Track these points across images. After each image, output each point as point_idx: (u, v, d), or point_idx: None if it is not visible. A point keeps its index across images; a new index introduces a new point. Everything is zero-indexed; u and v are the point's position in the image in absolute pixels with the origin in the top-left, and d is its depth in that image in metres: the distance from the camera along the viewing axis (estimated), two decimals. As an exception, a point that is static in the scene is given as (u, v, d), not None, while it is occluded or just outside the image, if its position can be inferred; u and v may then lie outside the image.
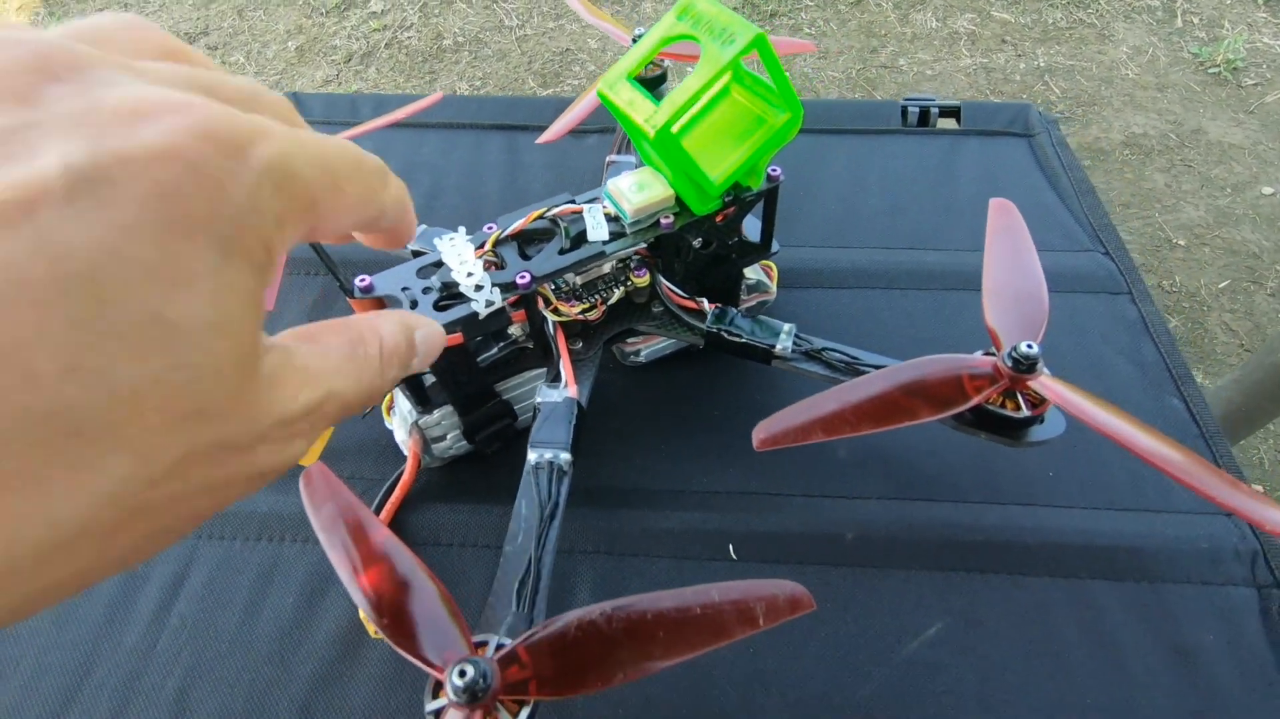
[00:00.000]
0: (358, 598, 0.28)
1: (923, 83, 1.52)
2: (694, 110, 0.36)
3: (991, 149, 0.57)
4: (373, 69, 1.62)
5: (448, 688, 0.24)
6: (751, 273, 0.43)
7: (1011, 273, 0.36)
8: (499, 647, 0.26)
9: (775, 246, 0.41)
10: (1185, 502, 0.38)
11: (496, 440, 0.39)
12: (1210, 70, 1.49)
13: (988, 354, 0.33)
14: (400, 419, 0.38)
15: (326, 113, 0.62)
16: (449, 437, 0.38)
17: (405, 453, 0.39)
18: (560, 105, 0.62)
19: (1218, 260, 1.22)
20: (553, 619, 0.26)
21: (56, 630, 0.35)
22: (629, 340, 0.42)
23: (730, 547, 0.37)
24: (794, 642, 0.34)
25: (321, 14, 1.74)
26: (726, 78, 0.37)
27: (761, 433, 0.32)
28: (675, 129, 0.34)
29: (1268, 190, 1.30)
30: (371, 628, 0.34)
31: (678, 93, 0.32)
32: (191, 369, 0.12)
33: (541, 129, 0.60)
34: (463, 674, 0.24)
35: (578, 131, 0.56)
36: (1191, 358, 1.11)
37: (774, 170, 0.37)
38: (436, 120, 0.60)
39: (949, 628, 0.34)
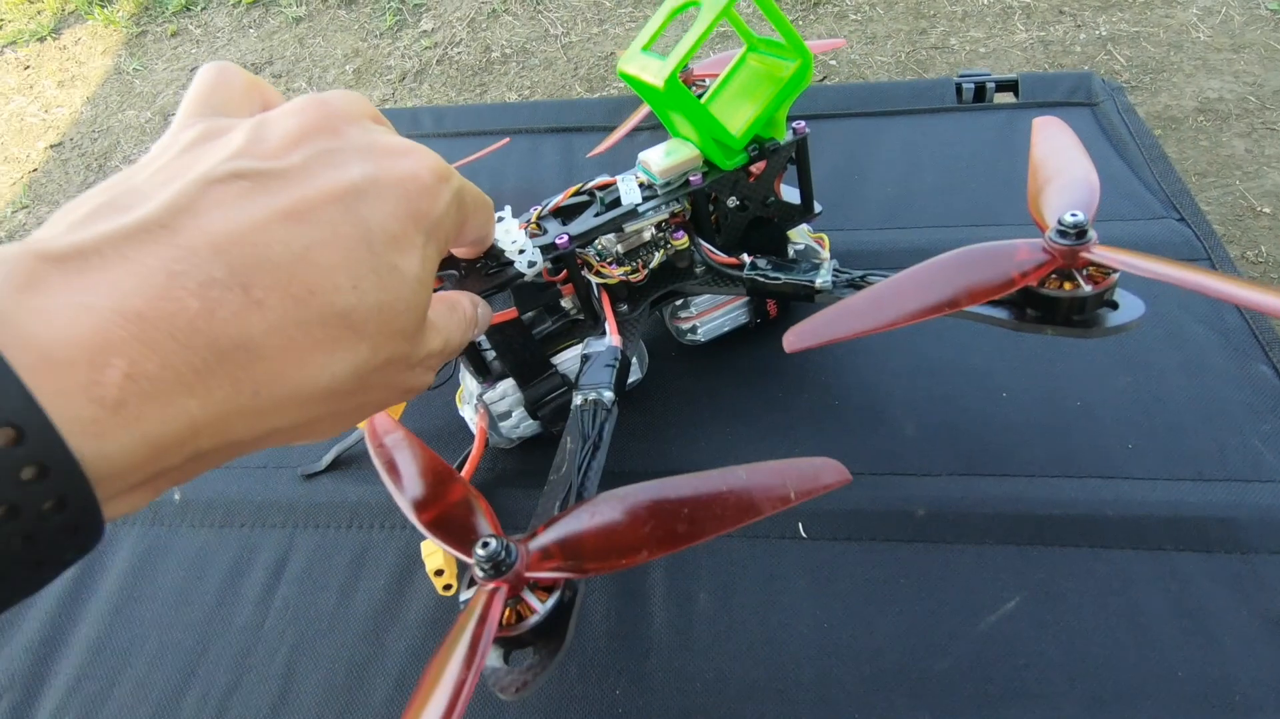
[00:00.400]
0: (402, 504, 0.30)
1: (976, 61, 1.48)
2: (717, 79, 0.38)
3: (1053, 120, 0.56)
4: (425, 85, 1.68)
5: (474, 563, 0.25)
6: (800, 238, 0.43)
7: (1056, 166, 0.34)
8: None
9: (817, 208, 0.41)
10: (1278, 470, 0.36)
11: (561, 417, 0.41)
12: (1292, 26, 1.40)
13: None
14: (468, 397, 0.40)
15: (390, 127, 0.65)
16: (514, 414, 0.40)
17: (474, 431, 0.41)
18: (610, 107, 0.63)
19: (1309, 227, 1.15)
20: (575, 505, 0.27)
21: (175, 613, 0.38)
22: (683, 315, 0.43)
23: (800, 525, 0.37)
24: (868, 616, 0.34)
25: (376, 36, 1.81)
26: (744, 52, 0.38)
27: (791, 337, 0.31)
28: (703, 100, 0.35)
29: (1363, 149, 1.21)
30: (439, 584, 0.36)
31: (680, 46, 0.33)
32: (405, 303, 0.19)
33: (594, 129, 0.62)
34: (485, 546, 0.25)
35: (633, 132, 0.58)
36: (1283, 331, 1.05)
37: (799, 124, 0.38)
38: (494, 128, 0.63)
39: (1027, 601, 0.34)
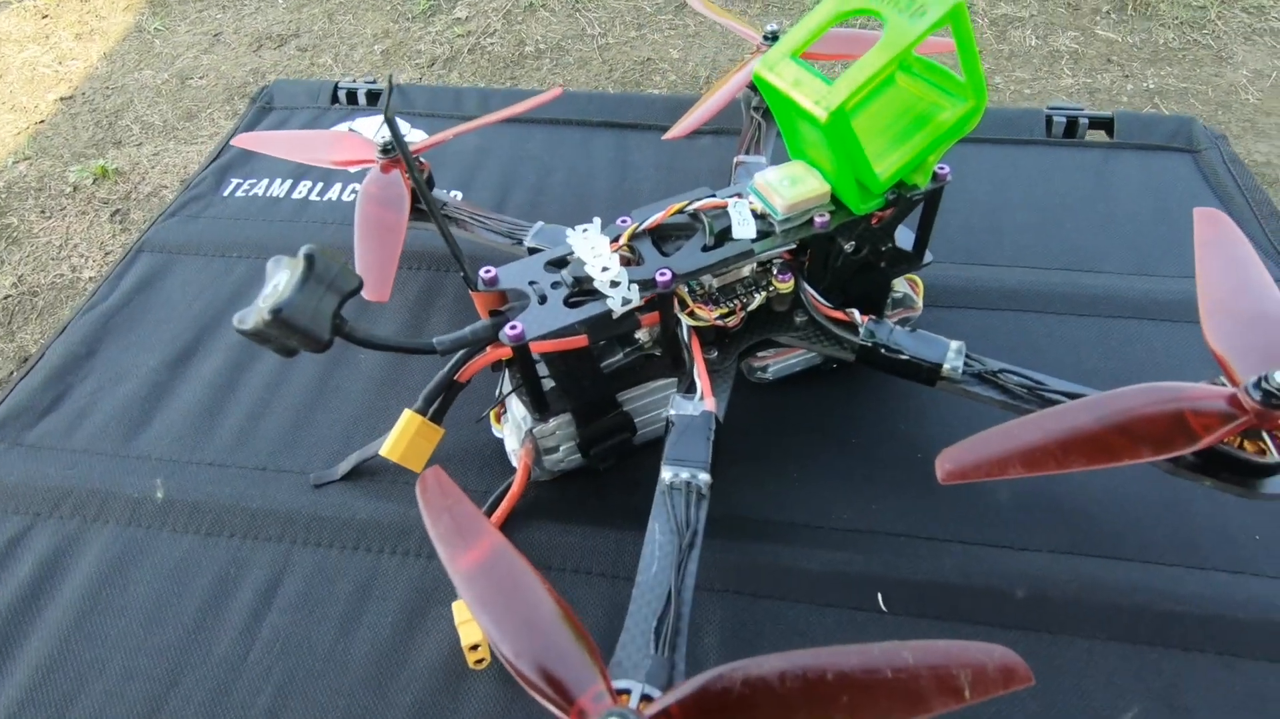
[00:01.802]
0: (484, 624, 0.24)
1: (1020, 102, 1.45)
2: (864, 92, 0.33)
3: (1151, 164, 0.52)
4: (455, 73, 1.63)
5: None
6: (899, 285, 0.39)
7: (1238, 290, 0.30)
8: (645, 697, 0.23)
9: (929, 257, 0.37)
10: None
11: (611, 456, 0.36)
12: (1343, 97, 1.37)
13: (1216, 383, 0.28)
14: (513, 426, 0.35)
15: (430, 105, 0.60)
16: (562, 448, 0.35)
17: (514, 463, 0.36)
18: (673, 104, 0.59)
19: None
20: (712, 671, 0.22)
21: (145, 633, 0.33)
22: (759, 354, 0.38)
23: (879, 596, 0.32)
24: (957, 715, 0.29)
25: (408, 19, 1.77)
26: (889, 66, 0.33)
27: (947, 463, 0.27)
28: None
29: None
30: (471, 658, 0.31)
31: (855, 70, 0.28)
32: None
33: (652, 128, 0.57)
34: None
35: (692, 134, 0.53)
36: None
37: (942, 168, 0.33)
38: (544, 116, 0.58)
39: (1148, 713, 0.29)
